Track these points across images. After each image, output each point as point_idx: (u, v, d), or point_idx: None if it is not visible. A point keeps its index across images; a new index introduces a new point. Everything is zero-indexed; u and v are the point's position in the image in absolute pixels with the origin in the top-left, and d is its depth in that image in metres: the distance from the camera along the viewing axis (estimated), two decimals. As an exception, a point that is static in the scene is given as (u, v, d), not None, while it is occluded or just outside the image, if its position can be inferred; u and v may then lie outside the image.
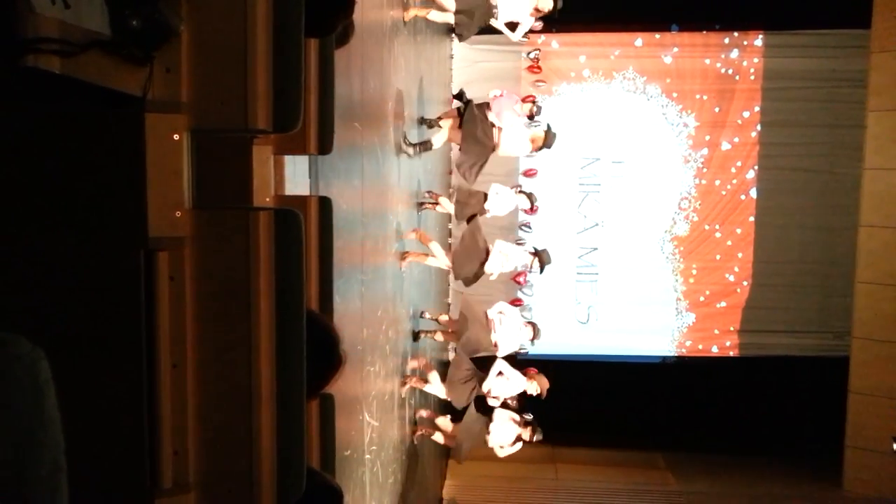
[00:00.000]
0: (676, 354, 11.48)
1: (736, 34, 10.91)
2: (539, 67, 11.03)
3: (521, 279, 11.10)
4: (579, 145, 11.17)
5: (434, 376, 6.89)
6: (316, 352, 1.94)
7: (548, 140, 7.11)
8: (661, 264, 11.35)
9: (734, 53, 10.94)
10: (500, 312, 7.11)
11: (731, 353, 11.39)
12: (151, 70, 1.67)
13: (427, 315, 7.41)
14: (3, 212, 1.65)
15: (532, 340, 7.21)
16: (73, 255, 1.71)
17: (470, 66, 11.00)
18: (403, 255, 6.34)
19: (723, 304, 11.35)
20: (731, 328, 11.35)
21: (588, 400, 10.75)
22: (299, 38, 1.92)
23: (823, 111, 10.79)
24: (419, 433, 7.09)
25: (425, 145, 6.80)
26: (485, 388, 6.88)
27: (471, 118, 6.86)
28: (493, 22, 6.94)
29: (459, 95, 7.26)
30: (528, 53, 10.97)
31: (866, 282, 9.74)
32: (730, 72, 10.97)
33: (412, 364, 6.61)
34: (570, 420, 10.44)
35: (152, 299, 1.74)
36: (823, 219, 10.94)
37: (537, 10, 6.96)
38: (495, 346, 7.04)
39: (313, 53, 2.39)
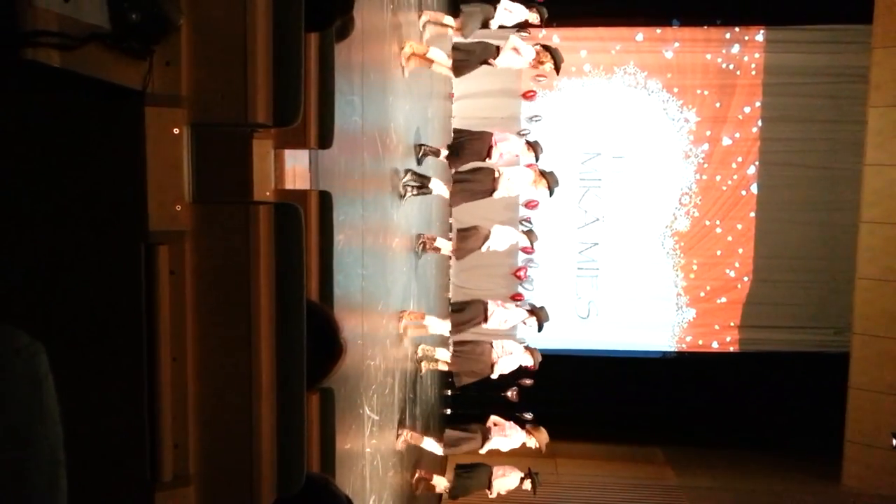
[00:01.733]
0: (677, 350, 11.49)
1: (737, 29, 10.89)
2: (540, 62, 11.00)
3: (521, 273, 11.10)
4: (580, 140, 11.16)
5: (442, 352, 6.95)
6: (316, 342, 1.95)
7: (550, 186, 7.13)
8: (662, 259, 11.35)
9: (735, 48, 10.92)
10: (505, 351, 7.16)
11: (732, 349, 11.41)
12: (151, 64, 1.67)
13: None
14: (2, 206, 1.65)
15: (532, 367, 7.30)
16: (73, 248, 1.71)
17: (471, 61, 10.96)
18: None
19: (723, 299, 11.35)
20: (732, 324, 11.36)
21: (588, 395, 10.77)
22: (299, 32, 1.92)
23: (824, 107, 10.77)
24: (418, 475, 7.10)
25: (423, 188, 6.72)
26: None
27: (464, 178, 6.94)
28: (492, 61, 6.99)
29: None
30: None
31: (867, 277, 9.74)
32: (731, 67, 10.95)
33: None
34: (569, 415, 10.47)
35: (152, 293, 1.74)
36: (824, 215, 10.93)
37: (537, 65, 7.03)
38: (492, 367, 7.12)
39: (313, 47, 2.39)
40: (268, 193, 2.21)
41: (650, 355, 11.45)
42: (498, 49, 6.89)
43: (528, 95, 11.11)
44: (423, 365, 6.89)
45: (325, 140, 2.56)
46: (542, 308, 7.37)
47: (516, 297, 10.89)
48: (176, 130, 1.76)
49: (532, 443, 7.09)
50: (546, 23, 7.48)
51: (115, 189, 1.73)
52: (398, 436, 6.06)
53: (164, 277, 1.76)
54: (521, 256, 11.12)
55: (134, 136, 1.71)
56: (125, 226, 1.73)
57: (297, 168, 3.23)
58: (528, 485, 7.13)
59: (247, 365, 1.83)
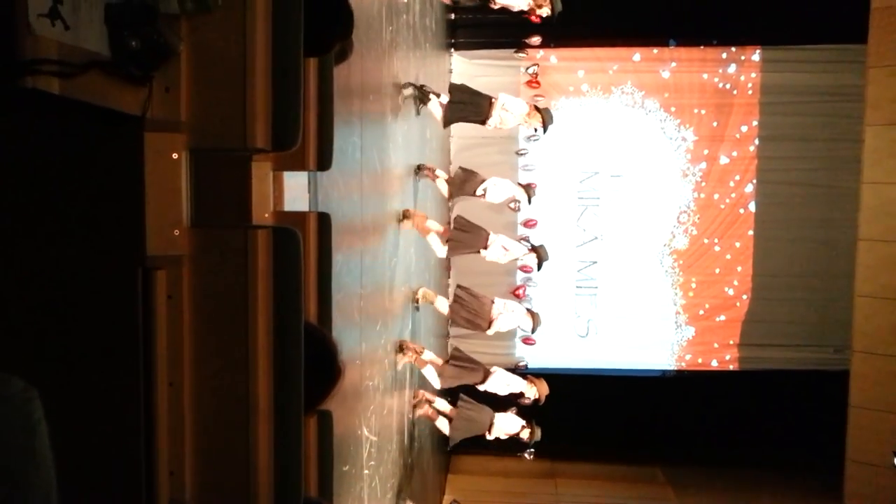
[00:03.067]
0: (676, 368, 11.45)
1: (733, 49, 10.96)
2: (538, 82, 11.08)
3: (520, 292, 11.09)
4: (578, 159, 11.20)
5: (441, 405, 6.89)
6: (314, 365, 1.94)
7: (545, 123, 7.07)
8: (661, 278, 11.35)
9: (732, 68, 10.99)
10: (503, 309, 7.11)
11: (731, 367, 11.37)
12: (151, 90, 1.68)
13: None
14: (1, 231, 1.66)
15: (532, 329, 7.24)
16: (70, 273, 1.71)
17: (469, 80, 10.97)
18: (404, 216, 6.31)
19: (722, 317, 11.33)
20: (731, 342, 11.33)
21: (587, 414, 10.72)
22: (299, 57, 1.93)
23: (821, 126, 10.83)
24: (420, 411, 7.01)
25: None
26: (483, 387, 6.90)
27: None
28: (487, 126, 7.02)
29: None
30: (527, 68, 11.02)
31: (866, 295, 9.73)
32: (727, 86, 11.01)
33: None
34: (569, 434, 10.40)
35: (150, 318, 1.74)
36: (822, 233, 10.95)
37: (534, 6, 7.06)
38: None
39: (313, 71, 2.40)
40: (266, 215, 2.21)
41: (649, 374, 11.41)
42: (491, 104, 6.93)
43: (529, 224, 11.10)
44: (420, 301, 6.85)
45: (324, 162, 2.57)
46: (541, 246, 7.33)
47: (517, 292, 10.83)
48: (175, 155, 1.77)
49: (532, 392, 6.98)
50: (544, 44, 7.53)
51: (113, 213, 1.73)
52: (400, 351, 6.03)
53: (161, 302, 1.76)
54: (520, 275, 11.12)
55: (133, 161, 1.72)
56: (123, 250, 1.73)
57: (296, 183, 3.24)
58: (526, 433, 7.03)
59: (244, 390, 1.82)
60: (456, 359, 6.95)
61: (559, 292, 11.22)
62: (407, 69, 6.51)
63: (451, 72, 10.86)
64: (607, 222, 11.30)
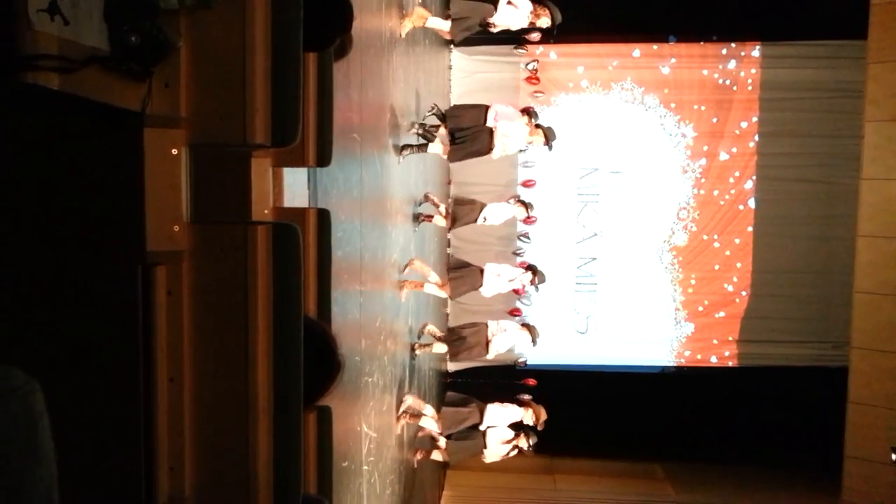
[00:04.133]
0: (675, 364, 11.46)
1: (733, 45, 10.95)
2: (537, 78, 11.07)
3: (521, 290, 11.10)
4: (578, 155, 11.19)
5: (429, 409, 6.89)
6: (313, 359, 1.94)
7: (548, 139, 7.08)
8: (660, 274, 11.35)
9: (731, 64, 10.98)
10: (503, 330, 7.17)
11: (730, 364, 11.38)
12: (150, 85, 1.67)
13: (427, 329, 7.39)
14: (1, 227, 1.65)
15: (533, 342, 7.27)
16: (70, 269, 1.71)
17: (468, 76, 11.03)
18: (402, 284, 6.35)
19: (721, 314, 11.34)
20: (730, 338, 11.34)
21: (587, 410, 10.72)
22: (298, 53, 1.92)
23: (821, 122, 10.82)
24: (418, 457, 7.08)
25: (420, 147, 6.79)
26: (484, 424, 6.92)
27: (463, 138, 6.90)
28: (490, 20, 6.97)
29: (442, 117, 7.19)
30: (527, 64, 11.01)
31: (865, 292, 9.74)
32: (727, 82, 11.00)
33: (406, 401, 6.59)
34: (568, 430, 10.40)
35: (150, 314, 1.74)
36: (822, 229, 10.95)
37: (534, 20, 7.02)
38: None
39: (312, 67, 2.40)
40: (266, 212, 2.21)
41: (649, 370, 11.42)
42: (491, 136, 6.91)
43: (527, 184, 11.10)
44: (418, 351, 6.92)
45: (323, 158, 2.56)
46: (537, 269, 7.42)
47: (514, 312, 10.88)
48: (174, 151, 1.77)
49: (529, 417, 7.01)
50: (544, 40, 7.50)
51: (113, 209, 1.73)
52: (398, 418, 6.06)
53: (161, 298, 1.76)
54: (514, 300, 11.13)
55: (132, 157, 1.72)
56: (123, 246, 1.73)
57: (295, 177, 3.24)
58: (522, 441, 7.07)
59: (244, 385, 1.82)
60: (451, 403, 7.04)
61: (559, 289, 11.22)
62: (406, 66, 6.50)
63: (450, 68, 10.85)
64: (607, 219, 11.30)
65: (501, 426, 6.98)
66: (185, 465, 1.78)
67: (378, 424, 5.16)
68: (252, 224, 1.86)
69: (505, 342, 7.21)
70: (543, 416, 7.09)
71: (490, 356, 7.30)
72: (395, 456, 6.06)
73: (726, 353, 11.37)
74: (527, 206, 7.70)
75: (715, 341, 11.36)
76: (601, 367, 11.32)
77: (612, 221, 11.29)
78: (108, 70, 1.55)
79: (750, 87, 10.99)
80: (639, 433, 10.99)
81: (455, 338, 7.25)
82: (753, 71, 10.97)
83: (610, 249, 11.33)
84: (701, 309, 11.36)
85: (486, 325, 7.25)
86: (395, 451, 6.02)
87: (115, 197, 1.73)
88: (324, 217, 2.53)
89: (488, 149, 6.96)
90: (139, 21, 1.57)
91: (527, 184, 11.11)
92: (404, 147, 6.33)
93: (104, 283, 1.72)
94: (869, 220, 9.69)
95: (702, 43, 10.98)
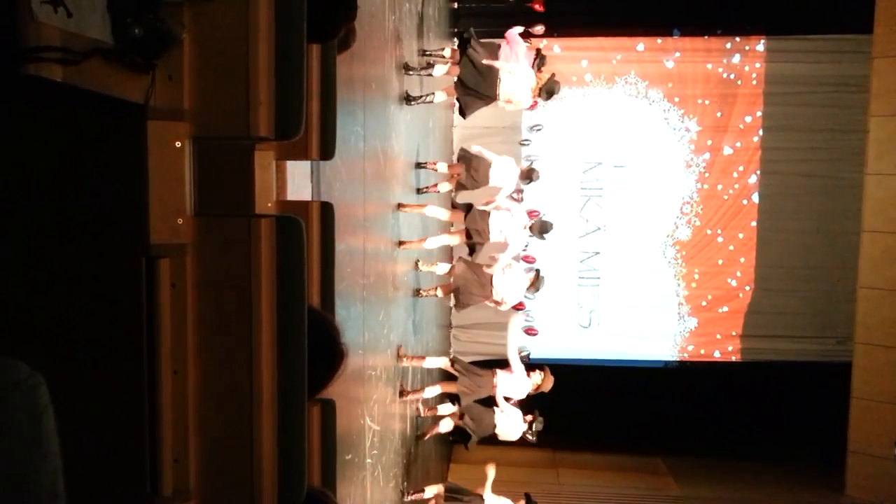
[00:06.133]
0: (678, 359, 11.46)
1: (738, 39, 10.91)
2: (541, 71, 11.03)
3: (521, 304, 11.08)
4: (581, 149, 11.18)
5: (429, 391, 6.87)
6: (316, 348, 1.94)
7: (548, 86, 6.97)
8: (664, 269, 11.34)
9: (736, 58, 10.94)
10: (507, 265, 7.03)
11: (734, 358, 11.38)
12: (153, 78, 1.67)
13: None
14: (4, 220, 1.65)
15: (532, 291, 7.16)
16: (74, 261, 1.71)
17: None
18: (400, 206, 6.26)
19: (725, 308, 11.33)
20: (734, 333, 11.33)
21: (590, 404, 10.74)
22: (301, 45, 1.92)
23: (825, 116, 10.79)
24: (428, 434, 7.05)
25: (427, 97, 6.72)
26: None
27: (471, 55, 6.77)
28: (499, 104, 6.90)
29: (461, 37, 7.04)
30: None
31: (869, 287, 9.72)
32: (731, 76, 10.97)
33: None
34: (571, 424, 10.42)
35: (154, 306, 1.73)
36: (826, 224, 10.93)
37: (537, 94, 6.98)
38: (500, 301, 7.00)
39: (315, 59, 2.39)
40: (269, 205, 2.21)
41: (652, 365, 11.42)
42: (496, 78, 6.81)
43: (530, 105, 11.12)
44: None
45: (327, 151, 2.56)
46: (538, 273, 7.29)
47: (518, 306, 10.85)
48: (178, 144, 1.76)
49: (536, 377, 6.96)
50: (547, 33, 7.42)
51: (116, 202, 1.73)
52: (399, 358, 6.00)
53: (165, 290, 1.76)
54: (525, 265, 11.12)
55: (136, 150, 1.71)
56: (127, 239, 1.73)
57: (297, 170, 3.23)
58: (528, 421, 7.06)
59: (248, 378, 1.82)
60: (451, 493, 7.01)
61: (562, 283, 11.22)
62: (411, 58, 6.49)
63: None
64: (610, 213, 11.29)
65: (512, 391, 6.94)
66: (190, 457, 1.78)
67: (381, 417, 5.17)
68: (255, 217, 1.86)
69: (510, 282, 7.03)
70: (549, 385, 7.05)
71: (497, 297, 7.12)
72: (399, 448, 6.08)
73: (729, 348, 11.36)
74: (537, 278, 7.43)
75: (718, 336, 11.36)
76: (604, 361, 11.33)
77: (615, 216, 11.28)
78: (111, 62, 1.54)
79: (754, 82, 10.96)
80: (642, 427, 11.00)
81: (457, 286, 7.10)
82: (758, 65, 10.94)
83: (613, 244, 11.32)
84: (704, 304, 11.35)
85: (494, 374, 7.18)
86: (398, 444, 6.03)
87: (118, 189, 1.73)
88: (327, 210, 2.52)
89: (494, 93, 6.86)
90: (142, 13, 1.57)
91: (531, 214, 11.08)
92: (407, 68, 6.33)
93: (108, 276, 1.72)
94: (874, 216, 9.67)
95: (706, 37, 10.95)
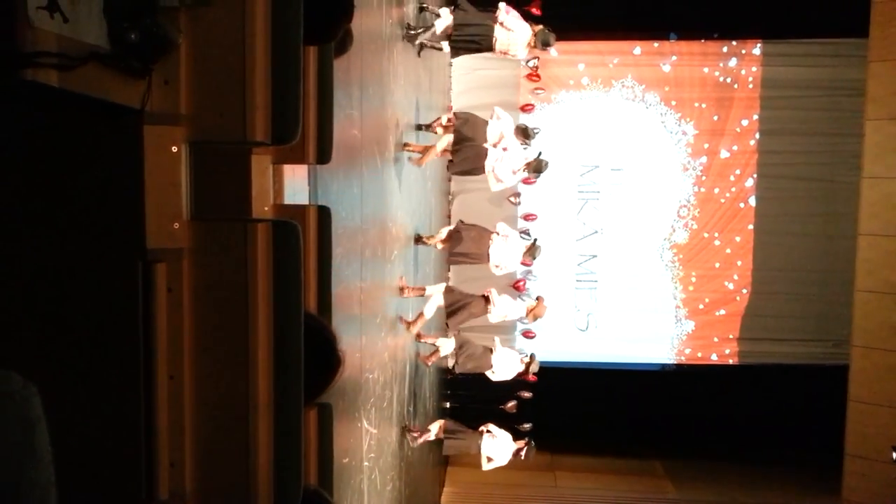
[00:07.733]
0: (676, 362, 11.47)
1: (734, 43, 10.94)
2: (538, 75, 11.06)
3: (520, 285, 11.09)
4: (578, 153, 11.19)
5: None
6: (313, 354, 1.94)
7: (543, 36, 6.98)
8: (661, 272, 11.36)
9: (732, 62, 10.97)
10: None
11: (731, 361, 11.39)
12: (150, 82, 1.67)
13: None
14: (2, 225, 1.65)
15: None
16: (70, 266, 1.71)
17: (469, 73, 11.04)
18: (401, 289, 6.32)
19: (722, 311, 11.35)
20: (731, 336, 11.34)
21: (587, 407, 10.74)
22: (298, 50, 1.92)
23: (822, 120, 10.82)
24: (418, 438, 7.07)
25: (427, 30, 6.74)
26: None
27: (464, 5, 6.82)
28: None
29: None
30: (527, 61, 10.99)
31: (866, 290, 9.74)
32: (728, 80, 11.00)
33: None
34: (569, 427, 10.43)
35: (150, 311, 1.73)
36: (822, 227, 10.95)
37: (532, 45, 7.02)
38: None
39: (312, 62, 2.39)
40: (266, 209, 2.21)
41: (649, 368, 11.43)
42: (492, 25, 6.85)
43: (526, 108, 11.15)
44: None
45: (323, 155, 2.56)
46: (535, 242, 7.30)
47: (518, 287, 10.84)
48: (174, 148, 1.76)
49: (530, 302, 7.01)
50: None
51: (112, 207, 1.73)
52: (401, 291, 6.06)
53: (161, 295, 1.76)
54: (520, 269, 11.12)
55: (132, 155, 1.71)
56: (123, 243, 1.73)
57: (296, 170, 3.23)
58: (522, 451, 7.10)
59: (244, 382, 1.82)
60: (450, 432, 7.06)
61: (559, 286, 11.22)
62: (406, 61, 6.49)
63: (450, 64, 10.84)
64: (607, 216, 11.30)
65: (504, 259, 6.92)
66: (186, 461, 1.78)
67: (378, 420, 5.17)
68: (252, 221, 1.86)
69: (505, 251, 7.03)
70: (543, 312, 7.07)
71: (491, 265, 7.13)
72: (396, 452, 6.07)
73: (727, 351, 11.37)
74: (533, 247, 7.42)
75: (715, 339, 11.37)
76: (602, 364, 11.33)
77: (612, 219, 11.29)
78: (107, 67, 1.54)
79: (751, 85, 10.99)
80: (639, 430, 11.01)
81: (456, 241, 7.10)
82: (754, 69, 10.97)
83: (610, 247, 11.33)
84: (701, 307, 11.37)
85: (492, 351, 7.20)
86: (395, 448, 6.03)
87: (114, 194, 1.73)
88: (324, 214, 2.52)
89: (490, 46, 6.91)
90: (139, 18, 1.57)
91: (528, 217, 11.11)
92: (411, 33, 6.38)
93: (104, 280, 1.72)
94: (870, 219, 9.69)
95: (703, 41, 10.98)
